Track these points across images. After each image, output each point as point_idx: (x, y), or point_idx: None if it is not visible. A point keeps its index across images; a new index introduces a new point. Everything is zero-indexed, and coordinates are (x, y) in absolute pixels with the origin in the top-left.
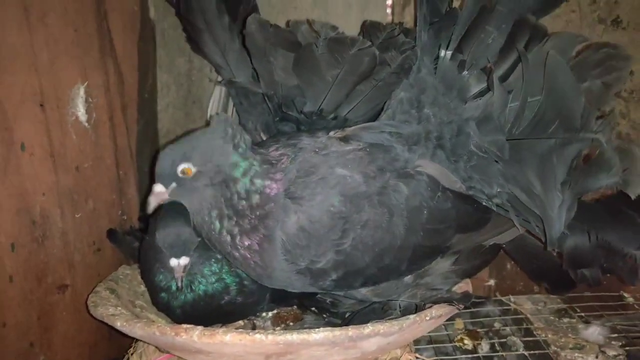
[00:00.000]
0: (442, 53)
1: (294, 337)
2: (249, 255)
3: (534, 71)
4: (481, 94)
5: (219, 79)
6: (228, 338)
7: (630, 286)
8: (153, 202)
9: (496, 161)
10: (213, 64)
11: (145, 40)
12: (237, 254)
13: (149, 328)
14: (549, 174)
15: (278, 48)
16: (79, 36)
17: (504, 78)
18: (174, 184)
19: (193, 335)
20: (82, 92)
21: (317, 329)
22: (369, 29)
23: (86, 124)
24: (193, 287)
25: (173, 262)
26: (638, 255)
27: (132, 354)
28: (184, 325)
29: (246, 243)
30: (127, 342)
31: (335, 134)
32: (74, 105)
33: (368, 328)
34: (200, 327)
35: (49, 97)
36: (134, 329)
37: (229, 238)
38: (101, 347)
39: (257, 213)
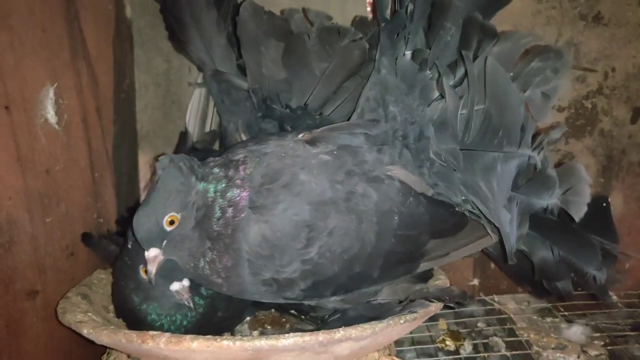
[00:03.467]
0: (402, 52)
1: (262, 343)
2: (228, 274)
3: (480, 78)
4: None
5: (199, 80)
6: (195, 345)
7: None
8: (154, 269)
9: (454, 170)
10: (196, 62)
11: (121, 39)
12: (219, 280)
13: (115, 335)
14: (495, 188)
15: (270, 37)
16: (48, 37)
17: (462, 81)
18: (165, 242)
19: (160, 343)
20: (51, 93)
21: (286, 334)
22: (358, 24)
23: (56, 126)
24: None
25: (175, 285)
26: (598, 276)
27: None
28: (151, 332)
29: (224, 263)
30: (104, 349)
31: (302, 136)
32: (43, 107)
33: (339, 333)
34: (167, 334)
35: (14, 99)
36: (101, 337)
37: (208, 270)
38: (76, 354)
39: (230, 230)
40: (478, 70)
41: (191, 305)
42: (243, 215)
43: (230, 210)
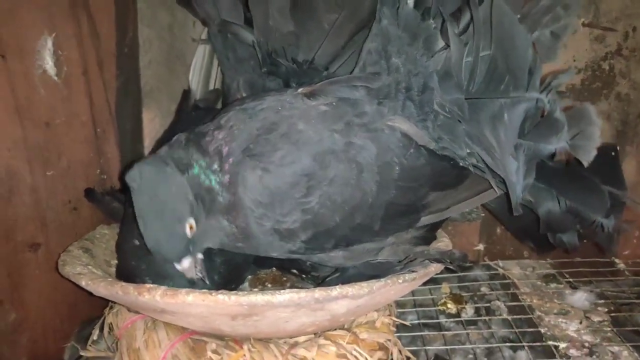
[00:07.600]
0: (404, 1)
1: (258, 298)
2: (245, 235)
3: (486, 22)
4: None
5: (203, 37)
6: (190, 298)
7: (623, 252)
8: (201, 269)
9: (459, 121)
10: (201, 16)
11: None
12: (240, 244)
13: (112, 287)
14: (502, 136)
15: None
16: None
17: (467, 29)
18: (191, 247)
19: (156, 295)
20: (49, 44)
21: (282, 290)
22: None
23: (56, 78)
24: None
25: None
26: (606, 224)
27: (108, 314)
28: (147, 285)
29: (239, 225)
30: (107, 302)
31: (301, 90)
32: (41, 57)
33: (335, 290)
34: (163, 287)
35: (10, 47)
36: (98, 288)
37: (229, 241)
38: (82, 306)
39: (227, 181)
40: (484, 13)
41: (205, 277)
42: (232, 159)
43: (227, 176)
